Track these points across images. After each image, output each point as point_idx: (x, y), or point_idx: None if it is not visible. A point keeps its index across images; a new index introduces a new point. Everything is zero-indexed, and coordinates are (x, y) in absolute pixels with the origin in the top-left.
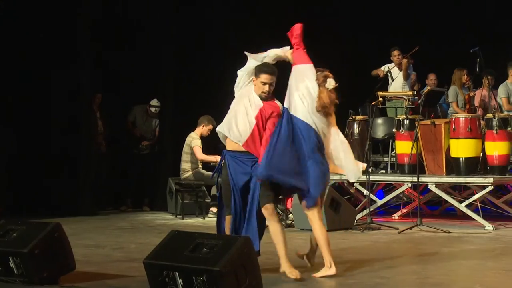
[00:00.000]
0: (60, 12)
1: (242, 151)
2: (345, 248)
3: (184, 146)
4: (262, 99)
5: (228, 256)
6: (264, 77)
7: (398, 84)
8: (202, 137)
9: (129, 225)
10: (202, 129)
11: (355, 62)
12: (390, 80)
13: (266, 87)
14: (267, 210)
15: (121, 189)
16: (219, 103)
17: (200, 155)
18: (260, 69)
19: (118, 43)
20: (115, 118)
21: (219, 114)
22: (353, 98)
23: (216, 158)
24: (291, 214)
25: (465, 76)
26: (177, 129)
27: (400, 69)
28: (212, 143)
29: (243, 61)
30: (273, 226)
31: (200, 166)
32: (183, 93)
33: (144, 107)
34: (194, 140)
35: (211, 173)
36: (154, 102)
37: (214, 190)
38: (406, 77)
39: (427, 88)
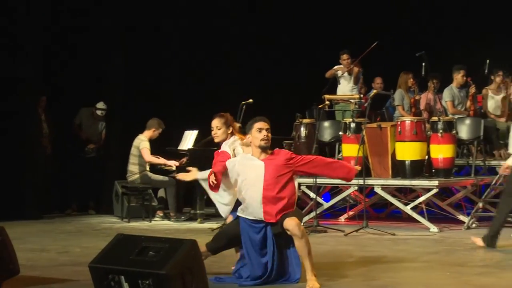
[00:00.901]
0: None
1: None
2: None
3: (132, 148)
4: (263, 147)
5: (175, 259)
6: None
7: (347, 87)
8: (150, 140)
9: (74, 228)
10: (153, 132)
11: (302, 66)
12: (338, 84)
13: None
14: None
15: (67, 193)
16: (167, 106)
17: (148, 157)
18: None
19: (66, 45)
20: (61, 120)
21: (167, 116)
22: (300, 101)
23: (164, 161)
24: None
25: (411, 80)
26: (124, 132)
27: (349, 73)
28: (160, 146)
29: (191, 62)
30: None
31: (147, 169)
32: (131, 95)
33: (90, 109)
34: (142, 142)
35: (158, 176)
36: (100, 105)
37: (161, 193)
38: (357, 82)
39: (374, 91)
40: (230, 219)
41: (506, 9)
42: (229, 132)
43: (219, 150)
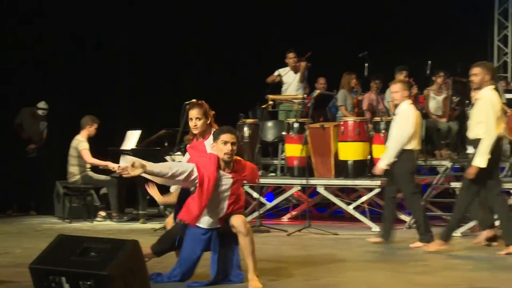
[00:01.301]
0: None
1: None
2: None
3: (70, 149)
4: (226, 161)
5: (117, 260)
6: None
7: (293, 87)
8: (90, 138)
9: (15, 229)
10: (88, 130)
11: (246, 66)
12: (283, 84)
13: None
14: None
15: (7, 193)
16: (108, 105)
17: (89, 158)
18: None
19: (7, 43)
20: (2, 120)
21: (109, 117)
22: (244, 101)
23: (106, 163)
24: None
25: (354, 80)
26: (66, 132)
27: (295, 72)
28: (101, 145)
29: (134, 63)
30: None
31: (88, 169)
32: (73, 95)
33: (32, 109)
34: (81, 143)
35: (100, 175)
36: (42, 104)
37: (103, 192)
38: (303, 79)
39: (317, 91)
40: (170, 219)
41: (446, 11)
42: (208, 122)
43: (194, 145)
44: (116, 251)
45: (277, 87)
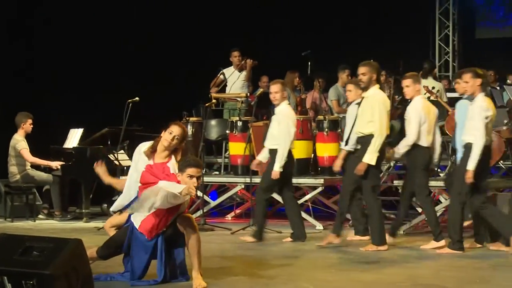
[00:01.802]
0: None
1: None
2: None
3: (10, 149)
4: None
5: (59, 259)
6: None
7: (237, 85)
8: (27, 136)
9: None
10: (24, 127)
11: (189, 63)
12: (227, 82)
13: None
14: None
15: None
16: (50, 103)
17: (30, 158)
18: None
19: None
20: None
21: (52, 115)
22: (187, 100)
23: (47, 163)
24: None
25: (297, 79)
26: (6, 130)
27: (240, 70)
28: (41, 144)
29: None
30: None
31: (28, 168)
32: (11, 93)
33: None
34: (19, 142)
35: (41, 173)
36: None
37: (46, 187)
38: (249, 77)
39: (260, 90)
40: (108, 224)
41: (388, 10)
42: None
43: (158, 166)
44: (59, 250)
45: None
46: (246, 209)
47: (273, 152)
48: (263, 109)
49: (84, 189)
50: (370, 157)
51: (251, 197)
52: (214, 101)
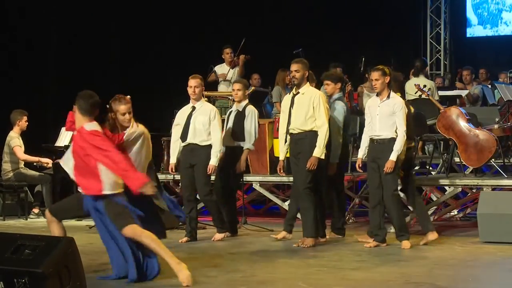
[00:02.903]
0: None
1: None
2: (170, 247)
3: (4, 146)
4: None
5: (51, 257)
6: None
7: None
8: (23, 133)
9: None
10: (19, 124)
11: (180, 61)
12: (219, 82)
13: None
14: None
15: None
16: (41, 100)
17: (22, 155)
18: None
19: None
20: None
21: (42, 113)
22: (179, 98)
23: (38, 159)
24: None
25: (289, 77)
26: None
27: (232, 67)
28: (35, 142)
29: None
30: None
31: (22, 166)
32: (5, 89)
33: None
34: (13, 139)
35: (34, 172)
36: None
37: (38, 189)
38: (242, 73)
39: (251, 88)
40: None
41: (380, 7)
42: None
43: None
44: (51, 249)
45: (214, 83)
46: (239, 207)
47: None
48: (254, 107)
49: (75, 188)
50: (319, 151)
51: (243, 195)
52: (205, 99)
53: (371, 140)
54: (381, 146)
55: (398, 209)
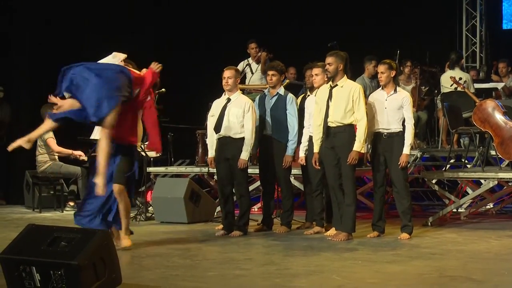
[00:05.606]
0: None
1: None
2: (204, 240)
3: (38, 139)
4: None
5: (87, 250)
6: None
7: (256, 77)
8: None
9: None
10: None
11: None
12: (249, 73)
13: None
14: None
15: None
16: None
17: (55, 147)
18: None
19: None
20: None
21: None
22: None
23: (72, 152)
24: (151, 207)
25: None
26: (35, 119)
27: (258, 62)
28: (69, 134)
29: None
30: None
31: (56, 158)
32: (36, 79)
33: None
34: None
35: (69, 166)
36: None
37: (73, 183)
38: (264, 70)
39: (286, 81)
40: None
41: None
42: None
43: None
44: (86, 241)
45: (243, 76)
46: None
47: None
48: None
49: None
50: (359, 145)
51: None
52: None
53: (377, 134)
54: (390, 140)
55: (409, 200)
